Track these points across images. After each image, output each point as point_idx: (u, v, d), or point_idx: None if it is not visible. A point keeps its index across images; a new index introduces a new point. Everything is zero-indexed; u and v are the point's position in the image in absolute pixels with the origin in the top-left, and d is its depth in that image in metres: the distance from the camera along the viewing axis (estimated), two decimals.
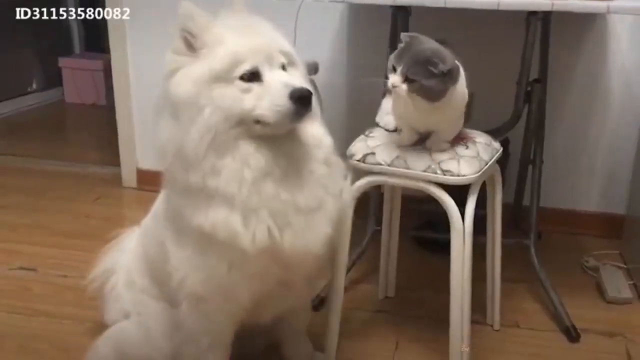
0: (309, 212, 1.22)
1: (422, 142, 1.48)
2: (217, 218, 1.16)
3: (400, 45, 1.35)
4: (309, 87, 1.17)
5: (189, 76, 1.13)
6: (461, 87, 1.38)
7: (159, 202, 1.40)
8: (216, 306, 1.30)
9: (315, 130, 1.26)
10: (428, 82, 1.30)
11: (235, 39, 1.15)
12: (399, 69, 1.32)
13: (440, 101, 1.34)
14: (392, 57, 1.35)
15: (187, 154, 1.13)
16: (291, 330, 1.55)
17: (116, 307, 1.55)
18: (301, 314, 1.54)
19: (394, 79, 1.33)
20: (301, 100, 1.13)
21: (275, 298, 1.34)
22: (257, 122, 1.15)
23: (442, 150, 1.44)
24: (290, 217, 1.19)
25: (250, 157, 1.15)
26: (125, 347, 1.45)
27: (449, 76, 1.31)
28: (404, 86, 1.32)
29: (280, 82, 1.14)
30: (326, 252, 1.31)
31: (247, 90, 1.13)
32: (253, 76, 1.14)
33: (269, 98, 1.13)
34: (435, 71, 1.29)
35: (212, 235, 1.17)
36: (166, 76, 1.17)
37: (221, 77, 1.13)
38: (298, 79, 1.19)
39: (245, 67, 1.13)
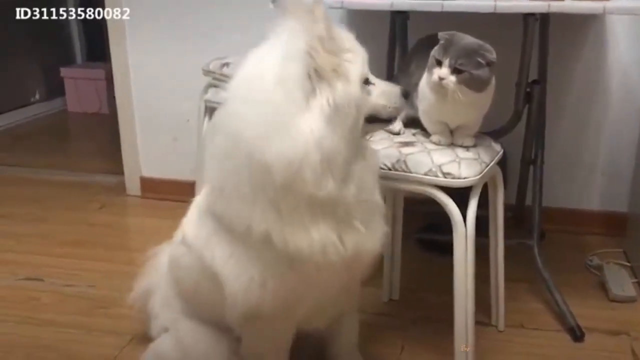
0: (369, 212, 1.27)
1: (422, 145, 1.49)
2: (319, 238, 1.16)
3: (441, 43, 1.42)
4: None
5: (352, 80, 1.16)
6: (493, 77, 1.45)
7: (195, 229, 1.35)
8: (279, 321, 1.32)
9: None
10: (477, 72, 1.38)
11: (358, 46, 1.22)
12: (445, 62, 1.39)
13: (484, 91, 1.41)
14: (434, 52, 1.42)
15: (337, 158, 1.13)
16: (344, 342, 1.54)
17: (157, 324, 1.57)
18: (351, 319, 1.54)
19: (442, 71, 1.39)
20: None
21: (328, 307, 1.36)
22: (370, 120, 1.23)
23: (469, 144, 1.50)
24: (355, 220, 1.23)
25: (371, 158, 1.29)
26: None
27: (493, 66, 1.39)
28: (453, 77, 1.38)
29: (387, 84, 1.28)
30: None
31: (369, 92, 1.22)
32: (367, 79, 1.22)
33: (386, 97, 1.25)
34: (483, 61, 1.37)
35: (308, 257, 1.17)
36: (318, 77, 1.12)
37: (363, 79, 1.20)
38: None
39: (367, 71, 1.22)
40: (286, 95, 1.10)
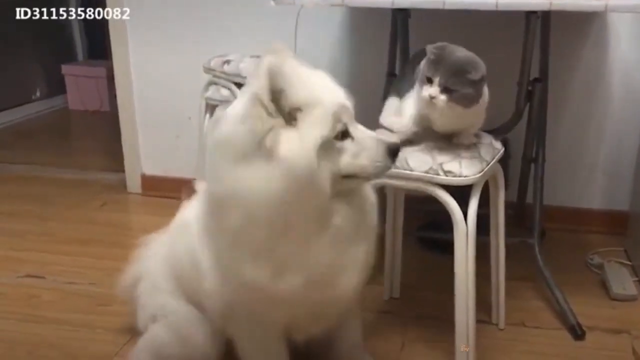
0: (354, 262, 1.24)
1: (422, 143, 1.49)
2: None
3: (430, 57, 1.39)
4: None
5: (304, 144, 1.05)
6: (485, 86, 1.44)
7: (196, 219, 1.35)
8: (261, 326, 1.32)
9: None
10: (466, 90, 1.36)
11: (328, 97, 1.11)
12: (435, 80, 1.37)
13: (475, 105, 1.40)
14: (424, 68, 1.40)
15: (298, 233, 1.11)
16: (348, 344, 1.52)
17: (144, 314, 1.56)
18: (353, 322, 1.51)
19: (432, 90, 1.38)
20: (395, 154, 1.17)
21: (315, 319, 1.35)
22: (346, 177, 1.14)
23: (471, 143, 1.49)
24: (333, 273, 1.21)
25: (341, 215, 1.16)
26: (161, 351, 1.47)
27: (483, 81, 1.38)
28: (443, 97, 1.37)
29: (371, 138, 1.15)
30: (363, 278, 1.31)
31: (342, 149, 1.11)
32: (344, 134, 1.12)
33: (366, 154, 1.13)
34: (472, 78, 1.35)
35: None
36: (253, 133, 1.05)
37: (326, 141, 1.08)
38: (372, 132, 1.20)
39: (339, 127, 1.10)
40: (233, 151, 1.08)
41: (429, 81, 1.38)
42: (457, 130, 1.49)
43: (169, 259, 1.51)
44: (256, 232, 1.10)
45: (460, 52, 1.40)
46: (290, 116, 1.06)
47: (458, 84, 1.36)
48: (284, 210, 1.07)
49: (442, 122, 1.46)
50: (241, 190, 1.07)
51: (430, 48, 1.39)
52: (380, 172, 1.16)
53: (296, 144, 1.04)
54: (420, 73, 1.42)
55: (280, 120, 1.05)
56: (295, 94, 1.06)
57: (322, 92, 1.11)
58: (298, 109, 1.06)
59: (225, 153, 1.10)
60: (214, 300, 1.31)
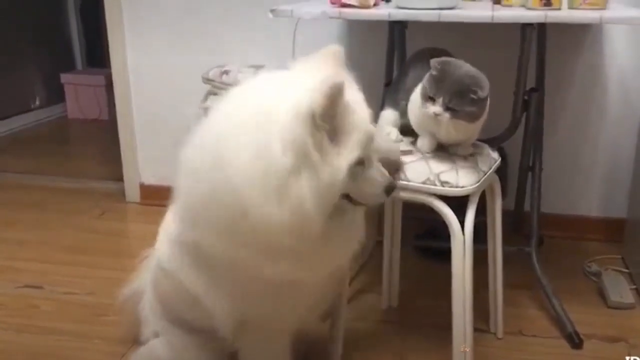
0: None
1: (419, 154, 1.50)
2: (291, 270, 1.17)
3: (433, 74, 1.39)
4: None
5: (341, 168, 1.08)
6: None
7: (169, 250, 1.37)
8: (274, 323, 1.34)
9: None
10: (470, 108, 1.37)
11: (363, 121, 1.13)
12: (439, 100, 1.38)
13: (478, 120, 1.42)
14: (427, 85, 1.40)
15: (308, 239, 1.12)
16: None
17: (147, 330, 1.57)
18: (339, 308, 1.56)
19: (436, 109, 1.39)
20: (391, 192, 1.21)
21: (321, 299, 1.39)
22: (345, 196, 1.16)
23: (468, 153, 1.51)
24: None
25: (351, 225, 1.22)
26: None
27: (487, 97, 1.39)
28: (447, 114, 1.38)
29: (380, 173, 1.19)
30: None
31: (356, 176, 1.13)
32: (360, 161, 1.13)
33: (369, 186, 1.17)
34: (478, 97, 1.36)
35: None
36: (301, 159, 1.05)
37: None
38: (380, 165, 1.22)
39: (364, 153, 1.13)
40: (287, 159, 1.05)
41: (432, 100, 1.39)
42: (460, 141, 1.50)
43: (157, 295, 1.49)
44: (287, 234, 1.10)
45: (464, 69, 1.39)
46: (333, 132, 1.07)
47: (462, 104, 1.36)
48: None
49: (445, 135, 1.46)
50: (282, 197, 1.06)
51: (433, 63, 1.39)
52: (373, 202, 1.21)
53: (336, 161, 1.07)
54: (422, 88, 1.42)
55: (324, 135, 1.06)
56: (342, 114, 1.07)
57: (362, 116, 1.13)
58: (341, 130, 1.08)
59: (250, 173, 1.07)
60: (221, 320, 1.31)
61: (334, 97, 1.02)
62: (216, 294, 1.28)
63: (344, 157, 1.08)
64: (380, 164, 1.20)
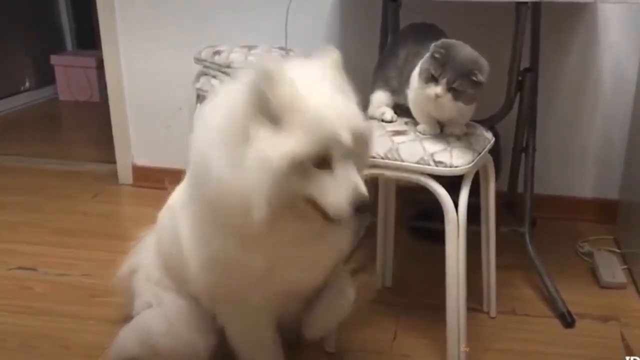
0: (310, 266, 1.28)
1: (414, 134, 1.50)
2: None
3: (436, 56, 1.40)
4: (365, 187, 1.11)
5: (277, 152, 1.04)
6: None
7: (176, 200, 1.41)
8: (232, 301, 1.33)
9: None
10: (471, 90, 1.39)
11: (320, 119, 1.06)
12: (442, 81, 1.39)
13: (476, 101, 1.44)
14: (429, 67, 1.42)
15: (252, 223, 1.09)
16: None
17: (140, 302, 1.56)
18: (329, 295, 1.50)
19: (438, 90, 1.40)
20: (358, 209, 1.09)
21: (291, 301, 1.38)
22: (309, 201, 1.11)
23: (462, 133, 1.51)
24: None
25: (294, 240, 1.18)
26: (149, 338, 1.46)
27: (485, 80, 1.40)
28: (450, 95, 1.40)
29: (348, 180, 1.08)
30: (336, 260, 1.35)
31: (314, 176, 1.08)
32: (324, 163, 1.07)
33: (333, 194, 1.08)
34: (479, 80, 1.38)
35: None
36: (239, 135, 1.07)
37: (299, 161, 1.05)
38: (360, 175, 1.13)
39: (320, 154, 1.06)
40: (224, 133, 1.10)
41: (434, 79, 1.40)
42: (452, 118, 1.50)
43: (157, 245, 1.52)
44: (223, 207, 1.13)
45: (466, 52, 1.41)
46: (277, 119, 1.05)
47: (464, 85, 1.38)
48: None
49: (440, 113, 1.48)
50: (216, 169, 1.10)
51: (435, 47, 1.40)
52: (337, 217, 1.09)
53: (272, 144, 1.05)
54: (424, 70, 1.43)
55: (266, 119, 1.06)
56: (290, 108, 1.05)
57: (318, 113, 1.06)
58: (289, 121, 1.05)
59: (214, 136, 1.12)
60: (199, 282, 1.32)
61: (267, 80, 1.03)
62: (194, 246, 1.29)
63: (283, 146, 1.04)
64: (355, 173, 1.10)
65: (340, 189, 1.08)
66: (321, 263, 1.30)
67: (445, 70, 1.39)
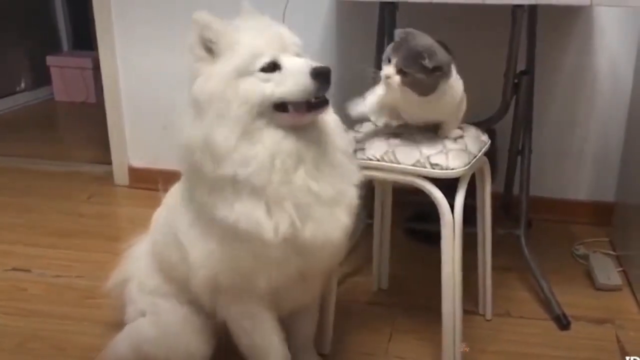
0: (331, 203, 1.26)
1: (410, 136, 1.50)
2: (242, 210, 1.19)
3: (395, 40, 1.40)
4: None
5: (214, 75, 1.18)
6: (455, 82, 1.43)
7: (173, 197, 1.43)
8: (234, 296, 1.33)
9: (335, 121, 1.33)
10: (419, 75, 1.36)
11: (252, 36, 1.22)
12: (393, 61, 1.38)
13: (430, 95, 1.39)
14: (388, 49, 1.41)
15: (217, 147, 1.16)
16: (301, 337, 1.54)
17: (133, 309, 1.56)
18: (311, 315, 1.54)
19: (388, 70, 1.39)
20: (321, 77, 1.18)
21: (293, 291, 1.36)
22: (280, 108, 1.19)
23: (457, 136, 1.50)
24: (313, 208, 1.23)
25: (279, 144, 1.19)
26: (142, 346, 1.47)
27: (440, 71, 1.36)
28: (397, 77, 1.37)
29: (299, 64, 1.20)
30: (344, 242, 1.34)
31: (267, 80, 1.19)
32: (273, 67, 1.19)
33: (291, 79, 1.19)
34: (426, 65, 1.34)
35: (235, 227, 1.20)
36: (190, 81, 1.22)
37: (244, 72, 1.18)
38: (314, 61, 1.23)
39: (264, 60, 1.19)
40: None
41: (389, 62, 1.40)
42: (429, 122, 1.49)
43: (153, 247, 1.51)
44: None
45: (423, 40, 1.40)
46: (217, 51, 1.21)
47: (411, 68, 1.36)
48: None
49: (406, 110, 1.47)
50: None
51: (398, 32, 1.41)
52: (305, 95, 1.19)
53: (209, 74, 1.19)
54: (384, 54, 1.43)
55: (210, 64, 1.20)
56: (224, 40, 1.20)
57: (250, 33, 1.22)
58: (225, 51, 1.20)
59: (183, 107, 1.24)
60: (200, 276, 1.30)
61: (202, 27, 1.22)
62: (193, 239, 1.29)
63: (221, 65, 1.19)
64: (302, 59, 1.22)
65: (295, 70, 1.19)
66: (337, 215, 1.28)
67: (398, 52, 1.38)
